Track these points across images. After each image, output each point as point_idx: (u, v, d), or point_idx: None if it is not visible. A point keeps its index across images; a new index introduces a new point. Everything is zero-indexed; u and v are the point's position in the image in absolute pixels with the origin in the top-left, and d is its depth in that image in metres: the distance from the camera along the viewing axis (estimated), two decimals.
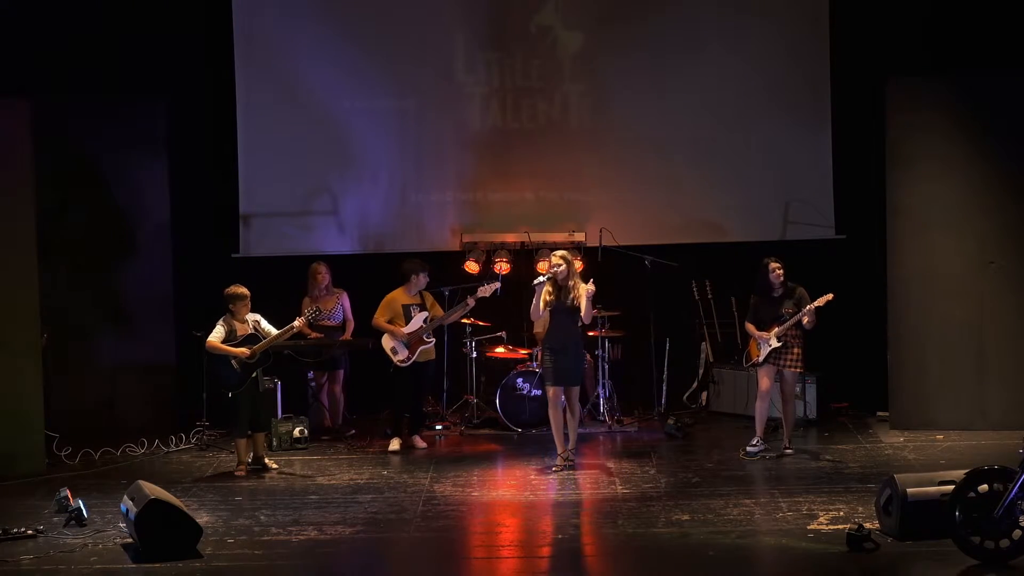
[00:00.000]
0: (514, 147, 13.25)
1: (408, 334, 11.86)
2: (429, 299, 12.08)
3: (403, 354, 11.87)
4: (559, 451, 11.08)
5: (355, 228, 13.26)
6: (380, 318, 11.96)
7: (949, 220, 12.01)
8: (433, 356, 12.10)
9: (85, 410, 12.46)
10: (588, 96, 13.21)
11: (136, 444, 12.01)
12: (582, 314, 10.96)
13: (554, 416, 11.05)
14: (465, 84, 13.23)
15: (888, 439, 11.87)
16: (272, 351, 11.24)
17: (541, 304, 10.96)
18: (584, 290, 10.95)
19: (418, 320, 11.90)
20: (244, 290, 11.13)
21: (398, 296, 12.01)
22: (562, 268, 10.91)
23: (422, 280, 11.99)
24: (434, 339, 12.03)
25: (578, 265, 11.33)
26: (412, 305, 11.98)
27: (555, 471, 10.94)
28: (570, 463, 11.00)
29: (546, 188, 13.25)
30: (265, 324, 11.18)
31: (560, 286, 10.91)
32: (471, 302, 11.91)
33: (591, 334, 12.69)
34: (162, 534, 8.79)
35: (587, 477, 10.89)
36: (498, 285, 12.11)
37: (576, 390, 11.10)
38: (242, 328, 11.10)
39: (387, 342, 11.92)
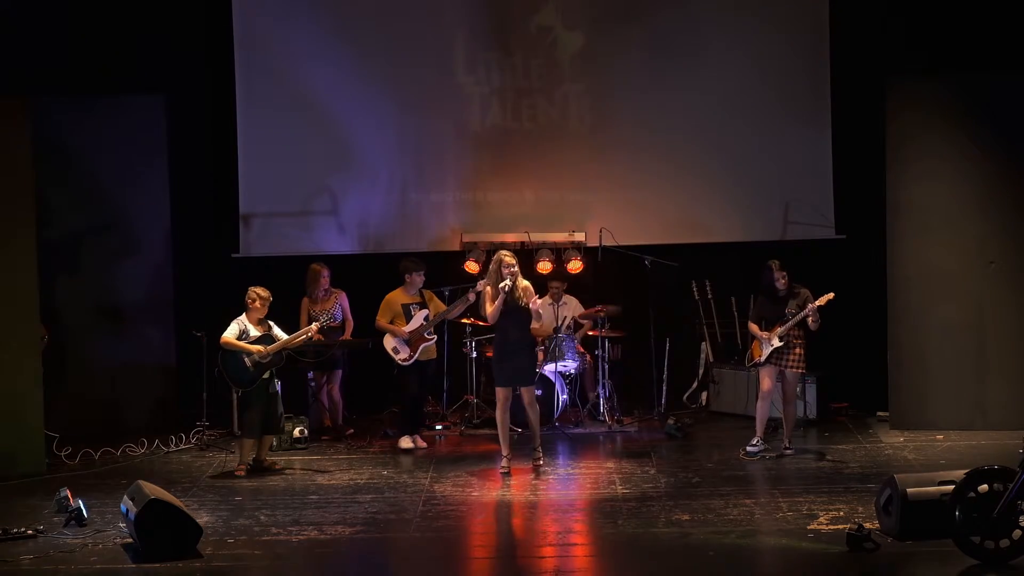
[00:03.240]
0: (514, 147, 13.25)
1: (409, 332, 11.87)
2: (429, 297, 12.08)
3: (404, 353, 11.87)
4: (504, 452, 11.03)
5: (355, 228, 13.26)
6: (381, 319, 11.97)
7: (949, 220, 12.01)
8: (435, 355, 12.10)
9: (85, 410, 12.45)
10: (588, 96, 13.20)
11: (136, 444, 12.01)
12: (534, 311, 10.92)
13: (501, 418, 10.99)
14: (465, 84, 13.23)
15: (888, 439, 11.87)
16: (284, 354, 11.23)
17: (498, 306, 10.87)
18: (530, 288, 10.91)
19: (419, 318, 11.90)
20: (267, 293, 11.12)
21: (397, 296, 12.02)
22: (516, 268, 10.86)
23: (418, 279, 11.99)
24: (435, 337, 12.02)
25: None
26: (412, 304, 11.99)
27: (502, 472, 10.93)
28: (538, 464, 10.98)
29: (546, 188, 13.25)
30: (277, 330, 11.19)
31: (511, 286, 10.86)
32: (472, 296, 11.90)
33: (591, 334, 12.71)
34: (162, 534, 8.79)
35: (587, 477, 10.90)
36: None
37: (532, 389, 11.05)
38: (258, 330, 11.10)
39: (388, 342, 11.92)
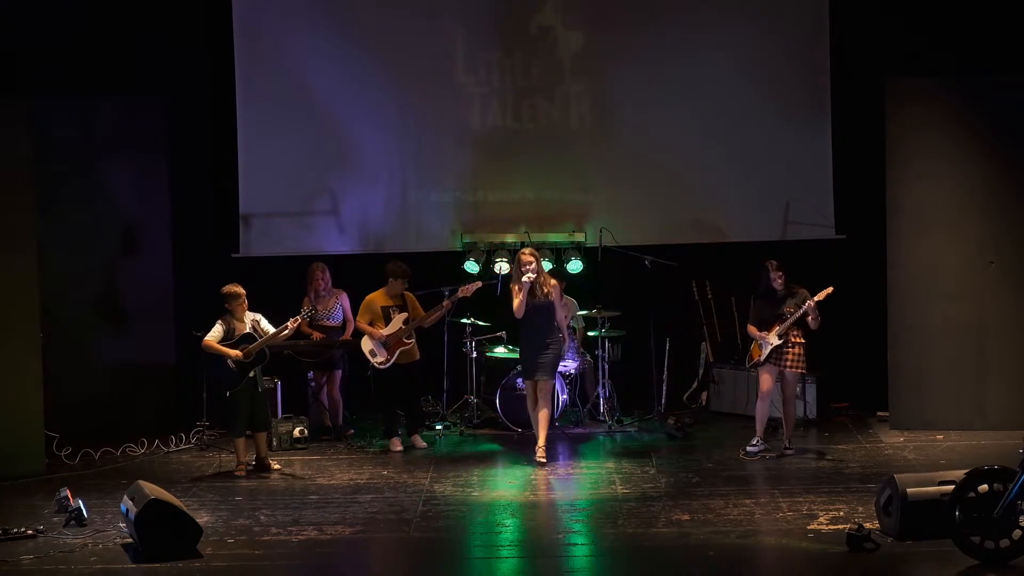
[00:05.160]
0: (514, 147, 13.24)
1: (387, 336, 11.82)
2: (410, 300, 12.01)
3: (382, 356, 11.82)
4: (539, 443, 11.31)
5: (355, 228, 13.25)
6: (360, 320, 11.95)
7: (949, 220, 12.01)
8: (416, 356, 11.99)
9: (85, 410, 12.45)
10: (588, 96, 13.20)
11: (136, 444, 12.01)
12: (557, 309, 11.28)
13: (532, 409, 11.40)
14: (465, 84, 13.22)
15: (888, 439, 11.87)
16: (270, 350, 11.24)
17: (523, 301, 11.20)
18: (555, 285, 11.29)
19: (397, 322, 11.84)
20: (239, 289, 11.15)
21: (377, 298, 11.96)
22: (534, 265, 11.17)
23: (398, 285, 11.92)
24: (413, 340, 11.95)
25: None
26: (391, 307, 11.92)
27: (539, 461, 11.19)
28: (541, 460, 11.17)
29: (546, 188, 13.24)
30: (265, 323, 11.19)
31: (531, 284, 11.20)
32: (447, 304, 11.88)
33: (591, 334, 12.71)
34: (162, 534, 8.80)
35: (587, 477, 10.90)
36: (478, 285, 12.06)
37: (550, 384, 11.31)
38: (241, 327, 11.11)
39: (366, 344, 11.87)
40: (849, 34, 12.94)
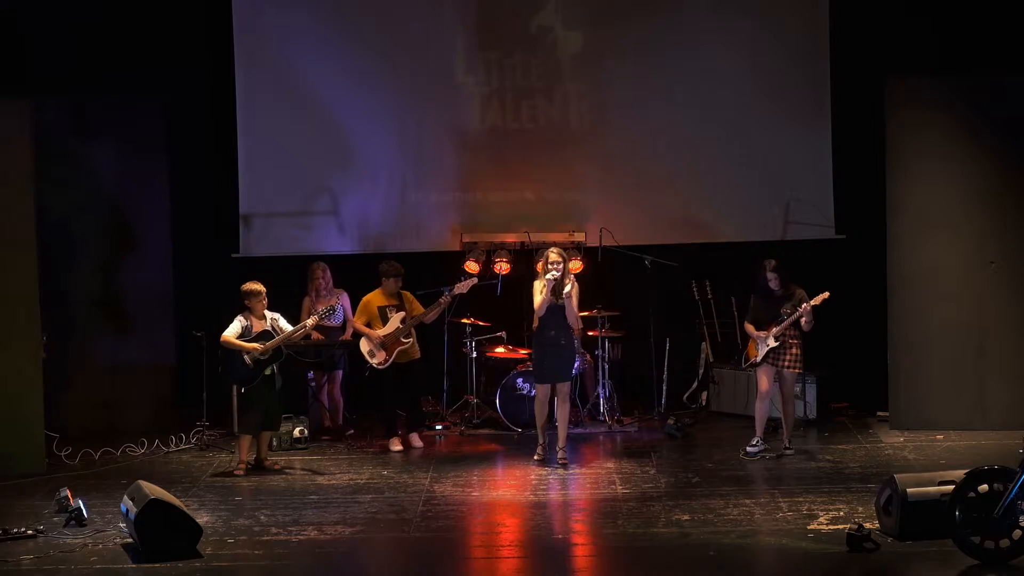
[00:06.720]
0: (514, 147, 13.24)
1: (383, 336, 11.81)
2: (408, 298, 12.00)
3: (380, 356, 11.81)
4: (540, 441, 11.30)
5: (355, 228, 13.26)
6: (357, 321, 11.94)
7: (949, 219, 12.01)
8: (417, 355, 11.99)
9: (85, 410, 12.46)
10: (588, 96, 13.21)
11: (136, 444, 12.01)
12: (572, 313, 11.16)
13: (540, 412, 11.28)
14: (465, 84, 13.23)
15: (888, 439, 11.87)
16: (285, 349, 11.24)
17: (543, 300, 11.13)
18: (576, 289, 11.16)
19: (394, 321, 11.83)
20: (260, 286, 11.14)
21: (373, 298, 11.94)
22: (560, 265, 11.07)
23: (392, 284, 11.92)
24: (412, 340, 11.95)
25: (572, 265, 11.54)
26: (388, 307, 11.91)
27: (535, 461, 11.21)
28: (563, 462, 11.12)
29: (546, 188, 13.25)
30: (283, 322, 11.19)
31: (555, 283, 11.10)
32: (444, 300, 11.88)
33: (591, 334, 12.70)
34: (162, 534, 8.80)
35: (587, 477, 10.90)
36: (474, 281, 12.07)
37: (567, 385, 11.28)
38: (259, 325, 11.11)
39: (364, 345, 11.85)
40: (849, 34, 12.94)
